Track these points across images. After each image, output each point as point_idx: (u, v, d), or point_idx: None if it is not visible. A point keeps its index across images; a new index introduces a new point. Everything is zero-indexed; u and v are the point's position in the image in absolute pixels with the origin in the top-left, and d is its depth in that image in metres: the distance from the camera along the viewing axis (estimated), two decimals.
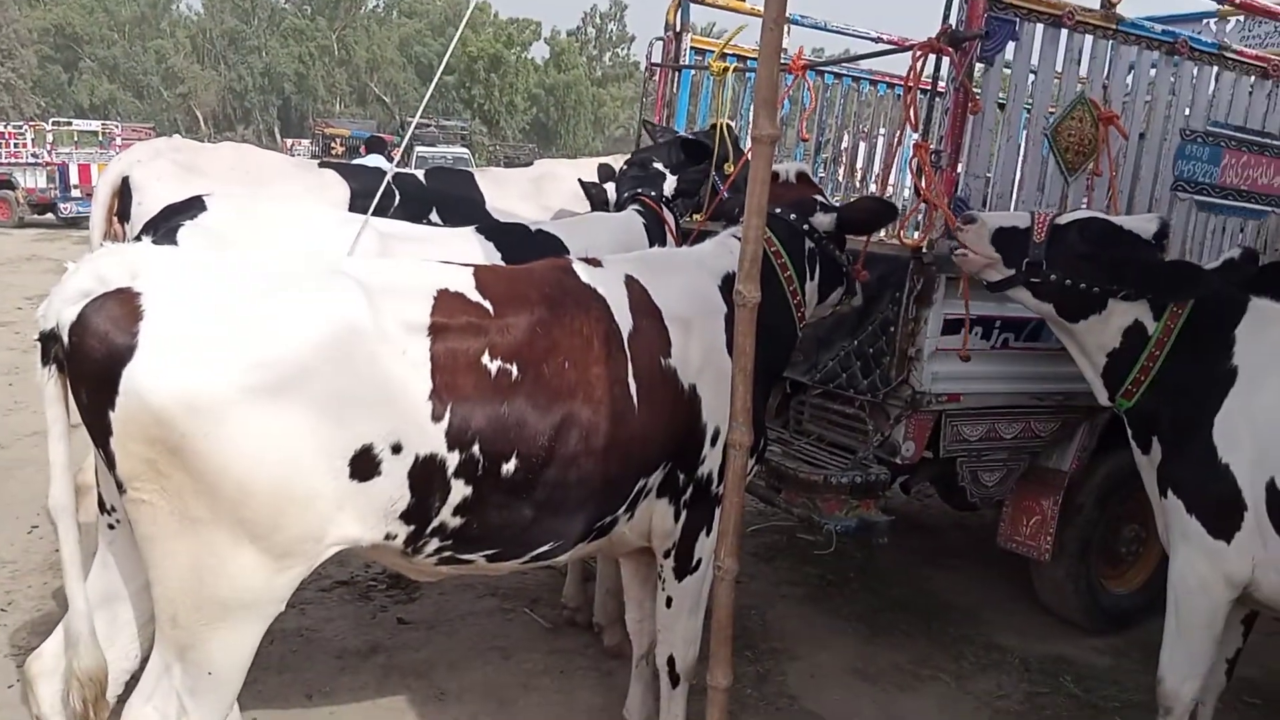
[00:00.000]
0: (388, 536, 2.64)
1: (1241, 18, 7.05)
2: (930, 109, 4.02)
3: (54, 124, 30.63)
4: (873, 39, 6.54)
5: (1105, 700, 4.34)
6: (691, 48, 6.25)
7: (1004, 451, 4.51)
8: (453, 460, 2.62)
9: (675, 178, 4.92)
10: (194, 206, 3.89)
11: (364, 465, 2.48)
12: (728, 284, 3.20)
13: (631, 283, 3.12)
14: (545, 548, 2.96)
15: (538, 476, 2.77)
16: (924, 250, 3.99)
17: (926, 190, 3.91)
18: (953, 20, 3.85)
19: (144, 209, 4.45)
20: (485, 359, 2.68)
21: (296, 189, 5.11)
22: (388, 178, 4.45)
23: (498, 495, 2.73)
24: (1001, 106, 4.42)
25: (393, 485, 2.56)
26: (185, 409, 2.24)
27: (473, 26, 56.28)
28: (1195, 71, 4.59)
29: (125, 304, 2.27)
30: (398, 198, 5.13)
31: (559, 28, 71.17)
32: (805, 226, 3.56)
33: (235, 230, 3.80)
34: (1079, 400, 4.27)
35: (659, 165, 4.96)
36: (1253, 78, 4.75)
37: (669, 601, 3.38)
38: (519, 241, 4.26)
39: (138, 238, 4.04)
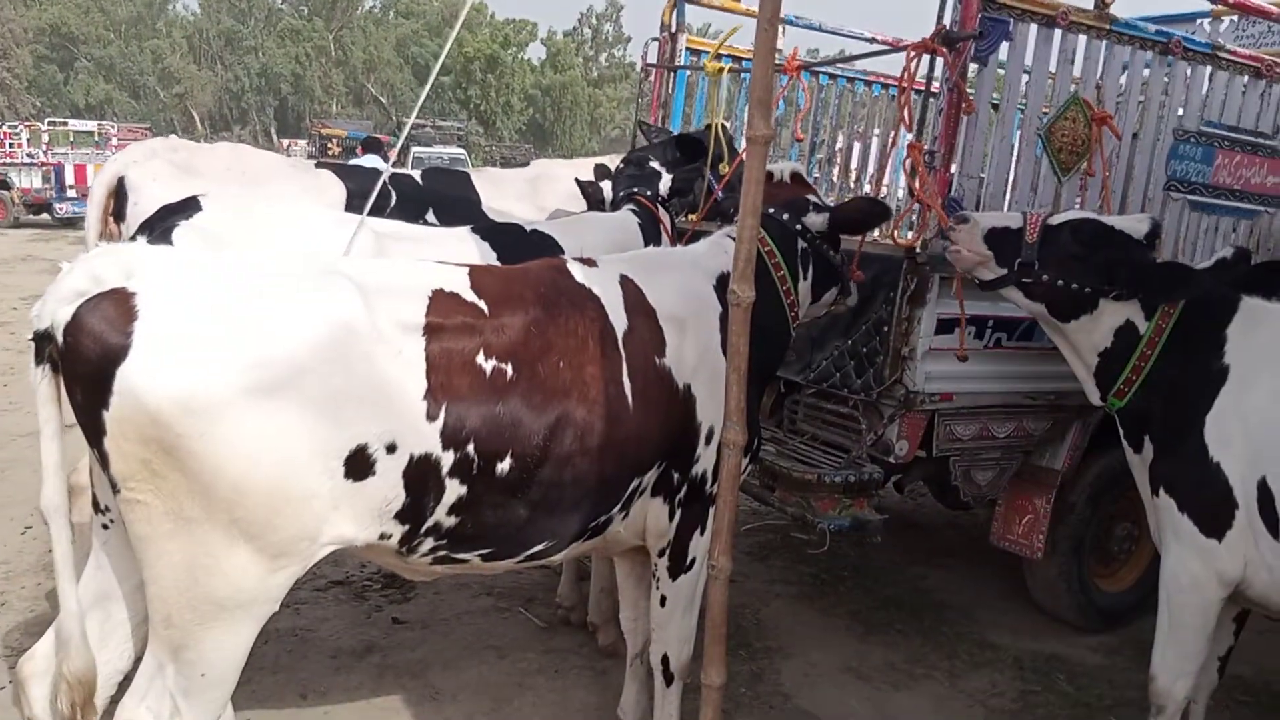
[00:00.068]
0: (382, 536, 2.64)
1: (1235, 18, 7.07)
2: (924, 109, 4.03)
3: (50, 124, 30.57)
4: (867, 39, 6.56)
5: (1098, 698, 4.35)
6: (687, 48, 6.26)
7: (997, 450, 4.52)
8: (447, 460, 2.62)
9: (671, 176, 4.93)
10: (189, 207, 3.88)
11: (359, 465, 2.49)
12: (722, 284, 3.21)
13: (626, 282, 3.13)
14: (540, 547, 2.97)
15: (532, 476, 2.78)
16: (918, 250, 4.00)
17: (920, 190, 3.92)
18: (947, 21, 3.86)
19: (139, 209, 4.44)
20: (480, 359, 2.69)
21: (293, 189, 5.11)
22: (384, 178, 4.46)
23: (492, 495, 2.74)
24: (995, 107, 4.44)
25: (387, 485, 2.56)
26: (180, 409, 2.25)
27: (469, 27, 56.23)
28: (1189, 71, 4.61)
29: (120, 304, 2.27)
30: (394, 198, 5.14)
31: (555, 28, 71.21)
32: (798, 226, 3.57)
33: (231, 230, 3.80)
34: (1071, 399, 4.28)
35: (655, 164, 4.96)
36: (1246, 78, 4.77)
37: (663, 600, 3.39)
38: (514, 241, 4.26)
39: (133, 238, 4.03)
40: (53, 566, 2.51)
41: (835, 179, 7.16)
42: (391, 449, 2.53)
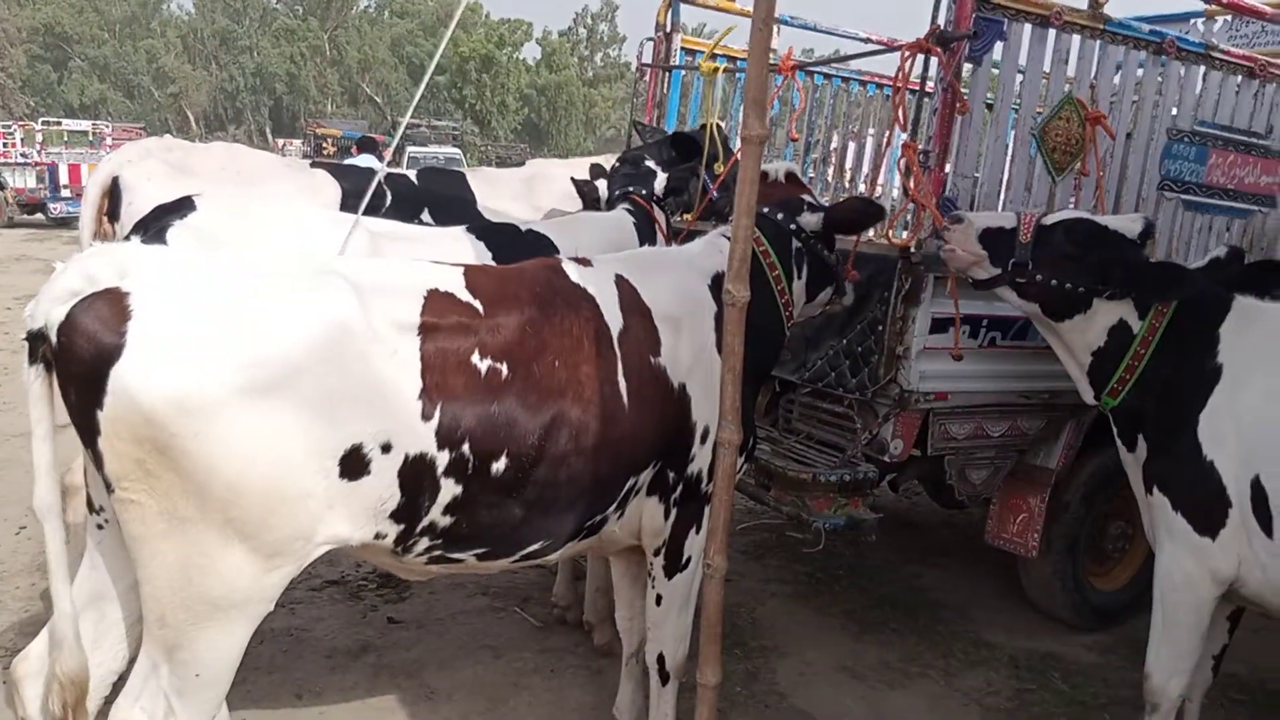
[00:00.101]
0: (378, 536, 2.64)
1: (1228, 17, 7.09)
2: (919, 109, 4.03)
3: (44, 124, 30.53)
4: (861, 39, 6.56)
5: (1093, 697, 4.36)
6: (682, 48, 6.26)
7: (991, 449, 4.53)
8: (442, 459, 2.62)
9: (666, 175, 4.93)
10: (184, 206, 3.87)
11: (354, 464, 2.49)
12: (717, 283, 3.22)
13: (621, 282, 3.13)
14: (535, 546, 2.97)
15: (528, 475, 2.77)
16: (912, 250, 4.01)
17: (915, 190, 3.93)
18: (941, 20, 3.87)
19: (134, 209, 4.43)
20: (475, 358, 2.69)
21: (287, 189, 5.10)
22: (379, 178, 4.45)
23: (488, 494, 2.74)
24: (989, 106, 4.44)
25: (382, 484, 2.56)
26: (174, 409, 2.24)
27: (464, 27, 56.22)
28: (1182, 71, 4.62)
29: (114, 303, 2.27)
30: (389, 198, 5.13)
31: (550, 28, 71.11)
32: (792, 226, 3.58)
33: (225, 230, 3.79)
34: (1065, 398, 4.29)
35: (650, 163, 4.96)
36: (1239, 77, 4.78)
37: (659, 599, 3.39)
38: (509, 241, 4.26)
39: (127, 238, 4.03)
40: (47, 567, 2.50)
41: (830, 179, 7.17)
42: (386, 449, 2.53)
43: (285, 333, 2.41)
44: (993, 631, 4.95)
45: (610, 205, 4.86)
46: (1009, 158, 4.38)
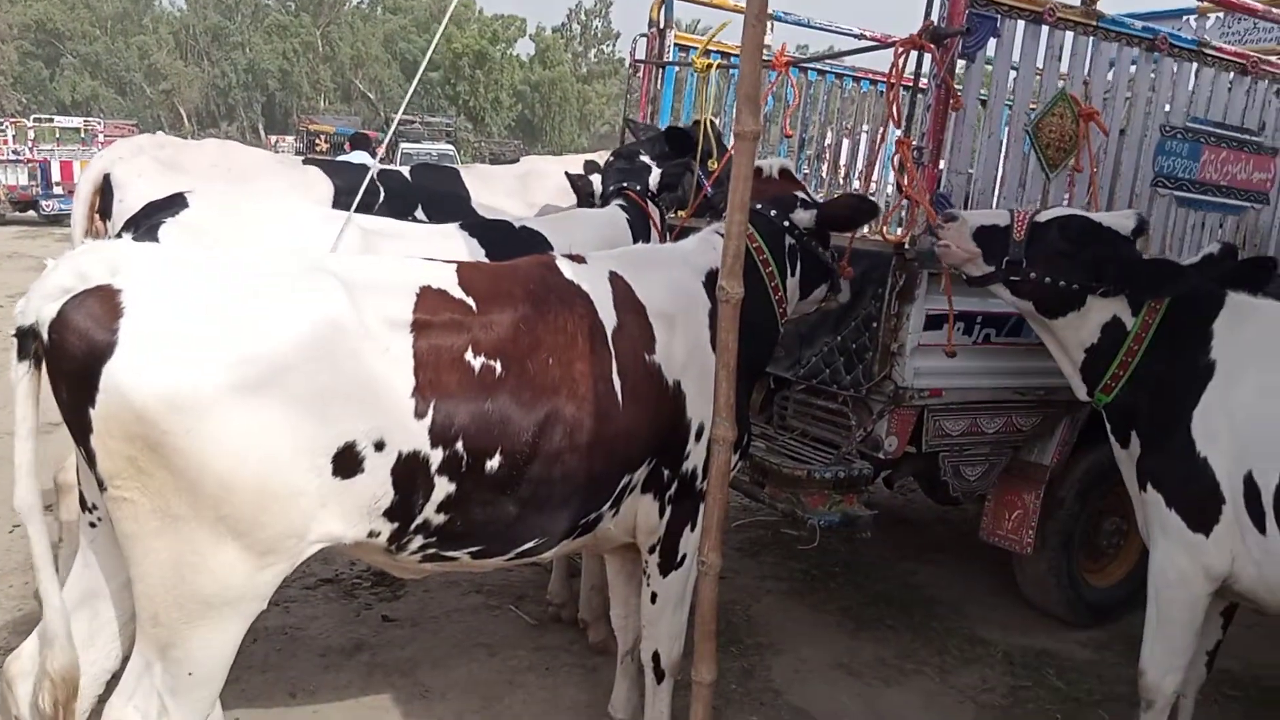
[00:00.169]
0: (371, 534, 2.63)
1: (1221, 14, 7.10)
2: (912, 105, 4.03)
3: (35, 120, 30.34)
4: (855, 35, 6.55)
5: (1088, 693, 4.37)
6: (675, 44, 6.25)
7: (986, 446, 4.54)
8: (436, 457, 2.62)
9: (661, 170, 4.92)
10: (176, 203, 3.86)
11: (347, 462, 2.48)
12: (711, 280, 3.21)
13: (615, 279, 3.12)
14: (530, 544, 2.97)
15: (522, 473, 2.77)
16: (906, 246, 4.01)
17: (909, 186, 3.92)
18: (935, 17, 3.86)
19: (125, 206, 4.41)
20: (468, 355, 2.68)
21: (280, 186, 5.08)
22: (371, 174, 4.44)
23: (482, 492, 2.73)
24: (983, 103, 4.44)
25: (376, 482, 2.55)
26: (166, 406, 2.24)
27: (457, 23, 56.09)
28: (1175, 68, 4.62)
29: (106, 301, 2.26)
30: (382, 194, 5.11)
31: (544, 24, 71.12)
32: (786, 223, 3.57)
33: (217, 227, 3.78)
34: (1060, 395, 4.29)
35: (645, 158, 4.95)
36: (1232, 74, 4.78)
37: (654, 597, 3.39)
38: (503, 238, 4.25)
39: (119, 235, 4.01)
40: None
41: (824, 175, 7.17)
42: (379, 446, 2.52)
43: (277, 330, 2.40)
44: (988, 628, 4.96)
45: (604, 201, 4.85)
46: (1003, 154, 4.38)
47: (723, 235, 2.93)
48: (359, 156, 10.87)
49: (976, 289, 3.76)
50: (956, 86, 3.96)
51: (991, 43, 4.04)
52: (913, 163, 3.92)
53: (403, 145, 28.18)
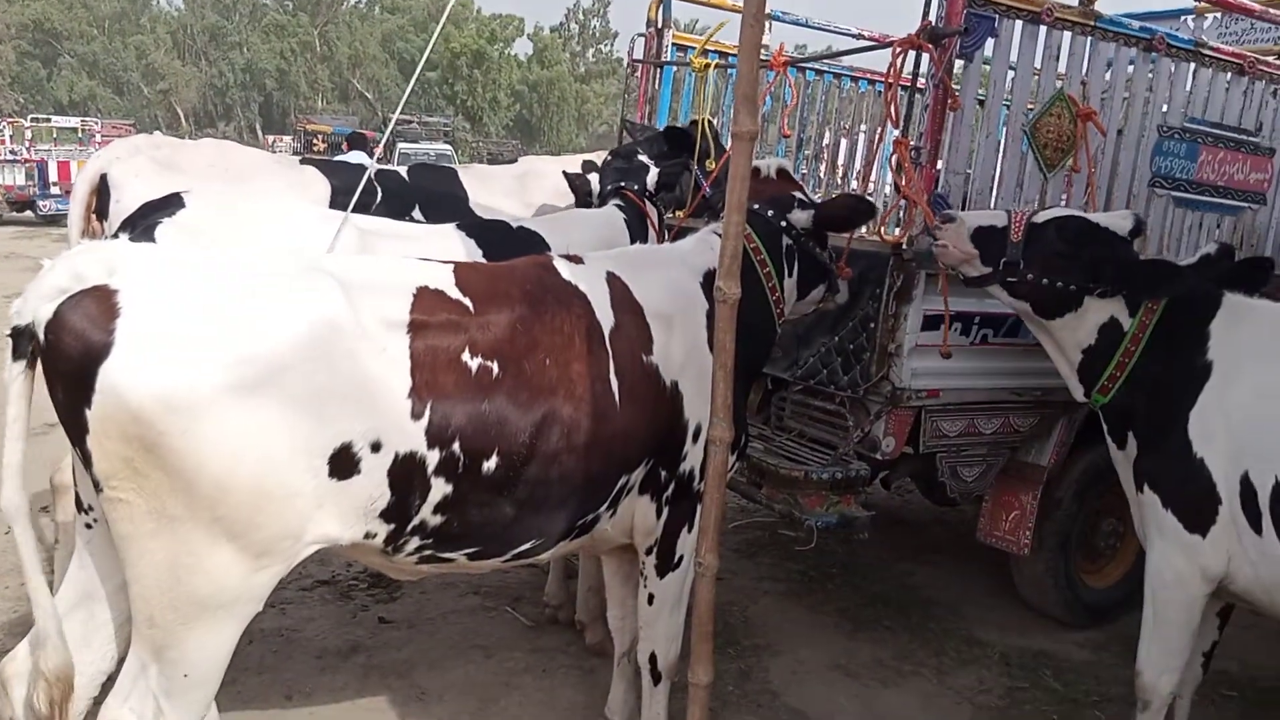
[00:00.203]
0: (367, 535, 2.63)
1: (1218, 14, 7.11)
2: (910, 105, 4.03)
3: (33, 120, 30.31)
4: (853, 35, 6.55)
5: (1085, 694, 4.37)
6: (673, 44, 6.25)
7: (983, 447, 4.53)
8: (433, 458, 2.61)
9: (659, 170, 4.92)
10: (172, 203, 3.85)
11: (343, 463, 2.47)
12: (708, 280, 3.21)
13: (613, 279, 3.12)
14: (527, 545, 2.96)
15: (519, 474, 2.76)
16: (904, 247, 4.01)
17: (906, 187, 3.92)
18: (932, 17, 3.86)
19: (122, 206, 4.40)
20: (465, 356, 2.67)
21: (277, 186, 5.07)
22: (369, 174, 4.43)
23: (478, 493, 2.72)
24: (981, 103, 4.44)
25: (372, 484, 2.55)
26: (162, 407, 2.23)
27: (455, 22, 56.06)
28: (1172, 68, 4.62)
29: (102, 301, 2.25)
30: (380, 194, 5.10)
31: (542, 24, 71.04)
32: (783, 223, 3.57)
33: (214, 227, 3.77)
34: (1057, 395, 4.29)
35: (643, 158, 4.94)
36: (1229, 74, 4.78)
37: (651, 599, 3.38)
38: (500, 238, 4.24)
39: (115, 235, 4.00)
40: (21, 567, 2.48)
41: (823, 175, 7.16)
42: (376, 447, 2.52)
43: (273, 330, 2.39)
44: (985, 629, 4.96)
45: (602, 201, 4.85)
46: (1000, 154, 4.38)
47: (720, 235, 2.92)
48: (356, 156, 10.84)
49: (974, 289, 3.76)
50: (954, 86, 3.96)
51: (989, 43, 4.04)
52: (910, 163, 3.92)
53: (400, 145, 28.21)
